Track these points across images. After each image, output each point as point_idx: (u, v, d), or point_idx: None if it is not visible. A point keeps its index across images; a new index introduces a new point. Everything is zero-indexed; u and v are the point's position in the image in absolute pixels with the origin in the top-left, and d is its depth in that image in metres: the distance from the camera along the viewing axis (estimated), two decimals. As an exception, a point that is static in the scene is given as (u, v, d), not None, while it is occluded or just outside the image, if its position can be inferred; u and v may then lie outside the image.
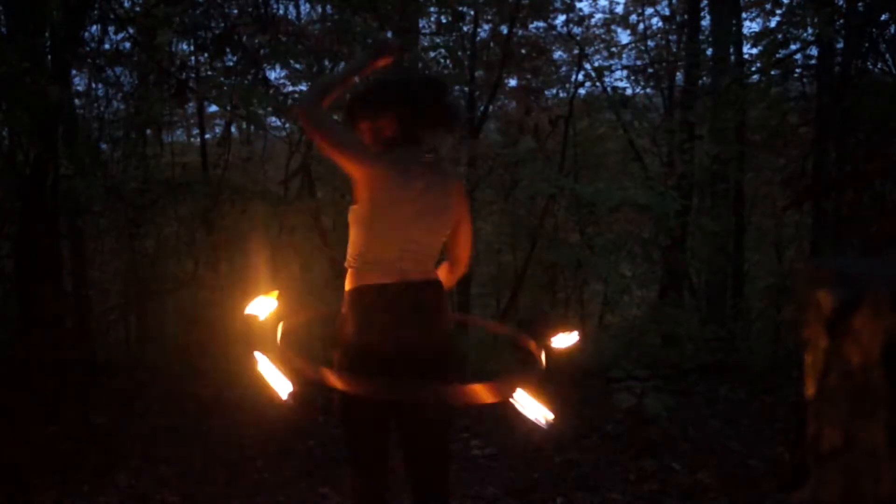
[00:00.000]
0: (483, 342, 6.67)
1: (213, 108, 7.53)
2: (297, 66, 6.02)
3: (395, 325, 1.84)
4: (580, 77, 9.00)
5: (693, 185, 8.32)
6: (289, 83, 6.94)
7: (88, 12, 5.27)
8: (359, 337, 1.85)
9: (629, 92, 9.76)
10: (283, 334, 1.83)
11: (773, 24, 7.51)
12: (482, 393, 1.51)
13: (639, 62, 10.46)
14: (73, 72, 6.41)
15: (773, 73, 7.07)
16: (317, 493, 3.50)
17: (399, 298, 1.86)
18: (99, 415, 4.44)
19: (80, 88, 7.25)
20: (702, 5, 8.90)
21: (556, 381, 5.59)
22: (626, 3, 10.77)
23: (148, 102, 6.36)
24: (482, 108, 8.27)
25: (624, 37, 10.89)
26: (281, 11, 6.34)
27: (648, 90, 10.54)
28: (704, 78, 8.74)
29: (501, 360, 6.02)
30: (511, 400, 1.60)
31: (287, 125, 6.76)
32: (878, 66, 6.08)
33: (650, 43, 10.63)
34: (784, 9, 6.39)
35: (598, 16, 14.01)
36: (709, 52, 8.59)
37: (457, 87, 7.24)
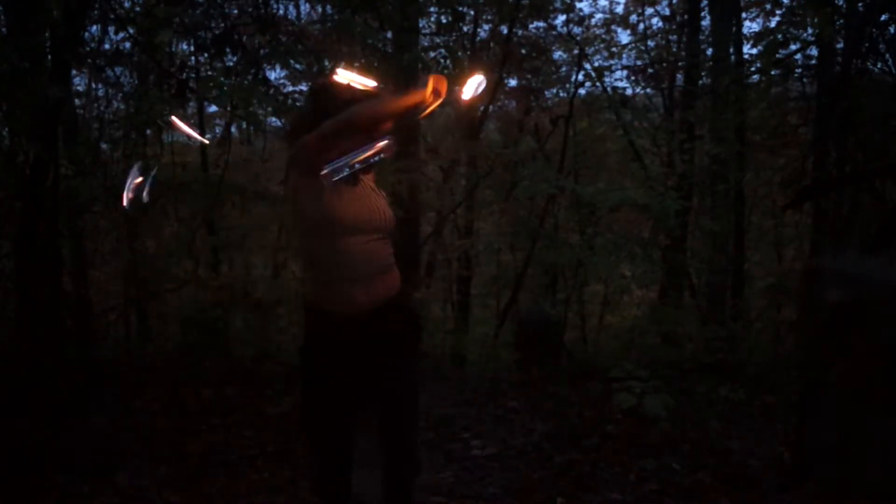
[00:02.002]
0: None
1: (213, 108, 7.54)
2: (297, 66, 6.03)
3: None
4: (580, 77, 9.02)
5: (693, 185, 8.32)
6: (289, 83, 6.96)
7: (88, 12, 5.26)
8: None
9: (629, 92, 9.79)
10: None
11: (773, 24, 7.52)
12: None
13: (639, 62, 10.47)
14: (73, 72, 6.40)
15: (773, 73, 7.07)
16: (317, 494, 3.50)
17: None
18: (99, 415, 4.43)
19: (80, 88, 7.26)
20: (702, 5, 8.91)
21: (556, 381, 5.59)
22: (626, 3, 10.79)
23: (148, 102, 6.35)
24: (482, 108, 8.27)
25: (624, 37, 10.92)
26: (281, 11, 6.35)
27: (648, 90, 10.56)
28: (704, 78, 8.74)
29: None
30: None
31: (287, 125, 6.76)
32: (878, 66, 6.08)
33: (650, 43, 10.65)
34: (784, 9, 6.40)
35: (598, 16, 14.00)
36: (709, 52, 8.59)
37: (456, 88, 7.25)
